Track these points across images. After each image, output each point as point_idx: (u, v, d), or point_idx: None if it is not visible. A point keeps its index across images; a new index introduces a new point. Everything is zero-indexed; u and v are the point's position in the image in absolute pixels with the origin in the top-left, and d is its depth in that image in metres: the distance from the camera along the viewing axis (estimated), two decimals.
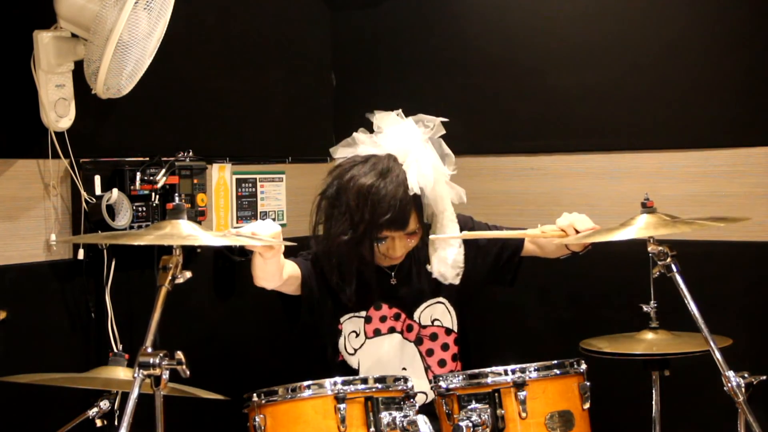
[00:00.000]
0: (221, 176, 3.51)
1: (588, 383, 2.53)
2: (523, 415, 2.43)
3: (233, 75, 3.55)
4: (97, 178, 3.00)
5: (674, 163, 3.30)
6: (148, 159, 3.11)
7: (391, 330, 2.91)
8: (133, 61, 2.67)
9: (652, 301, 2.83)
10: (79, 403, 2.66)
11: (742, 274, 3.21)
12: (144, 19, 2.63)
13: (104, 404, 2.52)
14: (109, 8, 2.56)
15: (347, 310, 2.91)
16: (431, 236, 2.84)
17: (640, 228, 2.43)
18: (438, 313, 2.94)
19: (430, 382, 2.70)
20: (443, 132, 2.87)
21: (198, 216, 3.23)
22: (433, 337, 2.92)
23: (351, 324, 2.92)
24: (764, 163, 3.15)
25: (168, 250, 2.17)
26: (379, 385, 2.45)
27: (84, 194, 2.94)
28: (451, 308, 2.94)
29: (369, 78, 3.93)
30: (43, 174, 2.90)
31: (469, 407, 2.46)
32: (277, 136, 3.76)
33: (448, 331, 2.94)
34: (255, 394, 2.47)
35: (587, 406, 2.52)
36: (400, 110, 2.90)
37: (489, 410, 2.45)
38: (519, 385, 2.43)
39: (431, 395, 2.70)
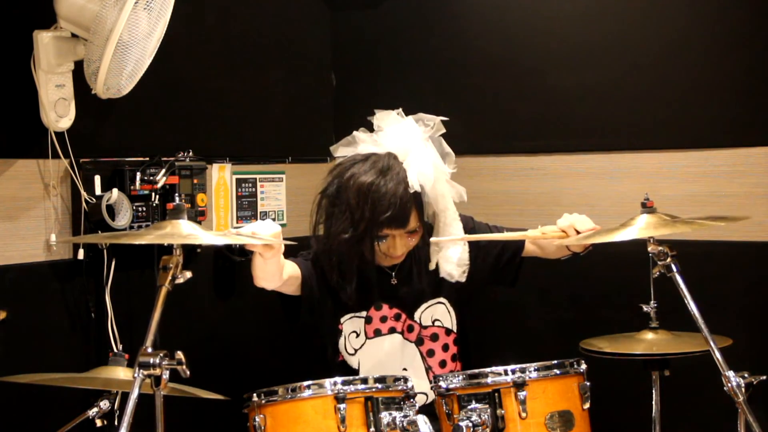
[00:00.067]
0: (221, 176, 3.51)
1: (588, 383, 2.53)
2: (523, 415, 2.42)
3: (233, 75, 3.55)
4: (97, 178, 3.00)
5: (674, 163, 3.30)
6: (148, 159, 3.11)
7: (392, 330, 2.91)
8: (133, 61, 2.68)
9: (652, 301, 2.83)
10: (79, 403, 2.67)
11: (742, 274, 3.21)
12: (144, 19, 2.63)
13: (104, 404, 2.52)
14: (109, 8, 2.56)
15: (347, 310, 2.91)
16: (432, 239, 2.84)
17: (640, 228, 2.42)
18: (438, 314, 2.93)
19: (430, 382, 2.70)
20: (443, 131, 2.87)
21: (198, 216, 3.23)
22: (434, 337, 2.92)
23: (351, 324, 2.92)
24: (764, 163, 3.15)
25: (168, 250, 2.17)
26: (379, 385, 2.44)
27: (84, 194, 2.94)
28: (451, 308, 2.94)
29: (369, 78, 3.93)
30: (43, 174, 2.90)
31: (469, 407, 2.46)
32: (277, 136, 3.76)
33: (448, 332, 2.94)
34: (255, 394, 2.47)
35: (587, 406, 2.51)
36: (401, 109, 2.90)
37: (489, 410, 2.45)
38: (519, 385, 2.43)
39: (432, 396, 2.70)
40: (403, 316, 2.92)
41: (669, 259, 2.35)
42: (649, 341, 2.80)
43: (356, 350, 2.91)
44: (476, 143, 3.62)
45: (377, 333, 2.91)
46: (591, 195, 3.44)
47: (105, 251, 3.00)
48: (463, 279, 2.86)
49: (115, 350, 2.77)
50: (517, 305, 3.54)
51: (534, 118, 3.57)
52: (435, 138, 2.87)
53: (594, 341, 2.84)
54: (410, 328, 2.92)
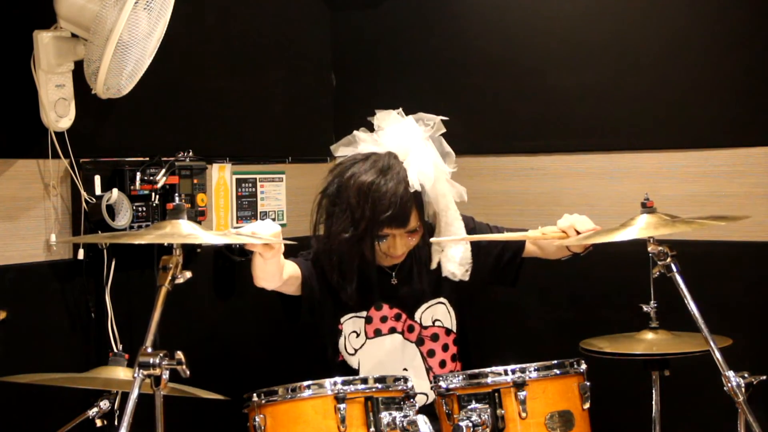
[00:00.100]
0: (221, 176, 3.51)
1: (588, 383, 2.53)
2: (523, 415, 2.42)
3: (233, 75, 3.55)
4: (97, 178, 2.99)
5: (674, 163, 3.30)
6: (148, 159, 3.11)
7: (392, 330, 2.91)
8: (133, 61, 2.67)
9: (652, 301, 2.83)
10: (79, 403, 2.66)
11: (742, 274, 3.21)
12: (144, 19, 2.63)
13: (104, 404, 2.52)
14: (109, 8, 2.56)
15: (348, 310, 2.91)
16: (433, 239, 2.84)
17: (640, 228, 2.42)
18: (439, 314, 2.93)
19: (431, 383, 2.70)
20: (443, 130, 2.88)
21: (198, 216, 3.23)
22: (435, 337, 2.92)
23: (351, 324, 2.92)
24: (764, 163, 3.15)
25: (168, 250, 2.17)
26: (379, 385, 2.45)
27: (84, 194, 2.94)
28: (451, 308, 2.94)
29: (369, 78, 3.93)
30: (43, 174, 2.90)
31: (469, 407, 2.46)
32: (277, 136, 3.76)
33: (448, 332, 2.94)
34: (255, 394, 2.47)
35: (587, 406, 2.52)
36: (401, 109, 2.90)
37: (489, 410, 2.45)
38: (519, 385, 2.43)
39: (432, 396, 2.70)
40: (404, 316, 2.92)
41: (669, 259, 2.36)
42: (649, 341, 2.80)
43: (356, 350, 2.91)
44: (476, 143, 3.62)
45: (377, 333, 2.91)
46: (591, 195, 3.44)
47: (105, 251, 3.00)
48: (466, 278, 2.87)
49: (115, 350, 2.77)
50: (517, 305, 3.54)
51: (534, 118, 3.57)
52: (435, 137, 2.87)
53: (594, 341, 2.84)
54: (410, 328, 2.92)
